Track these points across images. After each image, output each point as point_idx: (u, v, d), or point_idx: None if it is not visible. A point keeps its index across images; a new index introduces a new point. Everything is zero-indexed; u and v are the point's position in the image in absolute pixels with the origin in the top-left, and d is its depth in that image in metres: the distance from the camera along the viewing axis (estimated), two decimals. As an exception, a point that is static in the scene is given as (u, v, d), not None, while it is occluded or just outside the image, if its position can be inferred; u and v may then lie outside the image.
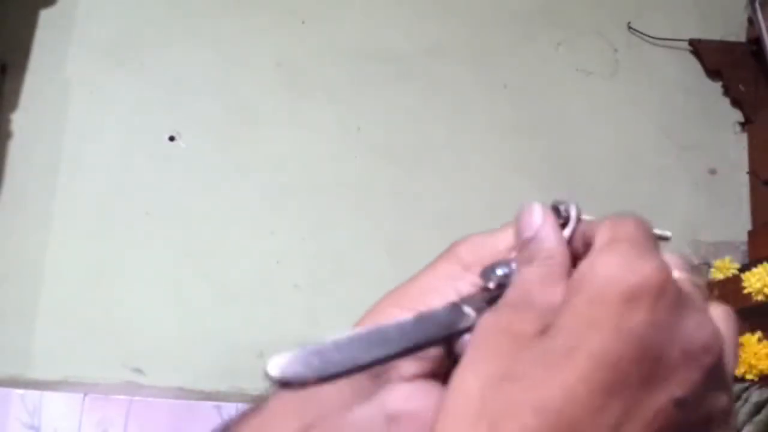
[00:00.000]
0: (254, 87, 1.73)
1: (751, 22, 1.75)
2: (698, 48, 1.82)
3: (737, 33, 1.84)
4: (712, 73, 1.82)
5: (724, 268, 1.51)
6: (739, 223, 1.71)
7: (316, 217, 1.66)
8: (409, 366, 0.33)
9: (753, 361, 1.18)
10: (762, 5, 1.63)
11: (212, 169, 1.67)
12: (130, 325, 1.53)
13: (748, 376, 1.18)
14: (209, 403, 1.49)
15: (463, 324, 0.33)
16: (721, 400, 0.30)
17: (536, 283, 0.33)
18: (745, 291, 1.34)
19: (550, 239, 0.35)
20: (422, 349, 0.33)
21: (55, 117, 1.67)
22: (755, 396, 1.15)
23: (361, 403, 0.33)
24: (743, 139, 1.79)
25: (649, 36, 1.83)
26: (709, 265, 1.58)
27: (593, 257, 0.31)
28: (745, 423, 1.13)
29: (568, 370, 0.27)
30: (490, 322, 0.32)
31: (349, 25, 1.79)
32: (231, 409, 1.49)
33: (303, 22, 1.78)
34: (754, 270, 1.34)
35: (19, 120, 1.65)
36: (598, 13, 1.85)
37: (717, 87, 1.82)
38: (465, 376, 0.30)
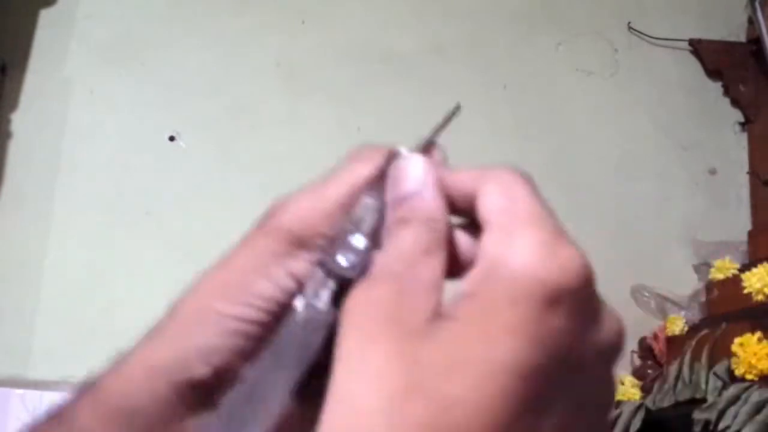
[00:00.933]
0: (254, 87, 1.73)
1: (752, 22, 1.75)
2: (698, 48, 1.82)
3: (737, 33, 1.84)
4: (712, 73, 1.82)
5: (724, 268, 1.51)
6: (739, 223, 1.71)
7: (316, 217, 1.66)
8: None
9: (753, 361, 1.18)
10: (762, 5, 1.63)
11: (212, 169, 1.67)
12: (130, 325, 1.52)
13: (748, 376, 1.18)
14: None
15: (317, 338, 0.27)
16: (612, 394, 0.28)
17: (419, 253, 0.27)
18: (745, 291, 1.34)
19: (436, 199, 0.29)
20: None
21: (55, 117, 1.67)
22: (755, 396, 1.15)
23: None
24: (743, 139, 1.79)
25: (649, 36, 1.83)
26: (709, 265, 1.58)
27: (503, 245, 0.26)
28: (745, 423, 1.13)
29: (486, 382, 0.23)
30: (367, 308, 0.25)
31: (349, 25, 1.79)
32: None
33: (303, 22, 1.79)
34: (754, 270, 1.34)
35: (19, 120, 1.65)
36: (598, 14, 1.85)
37: (717, 87, 1.82)
38: (357, 389, 0.24)
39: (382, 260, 0.27)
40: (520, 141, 1.75)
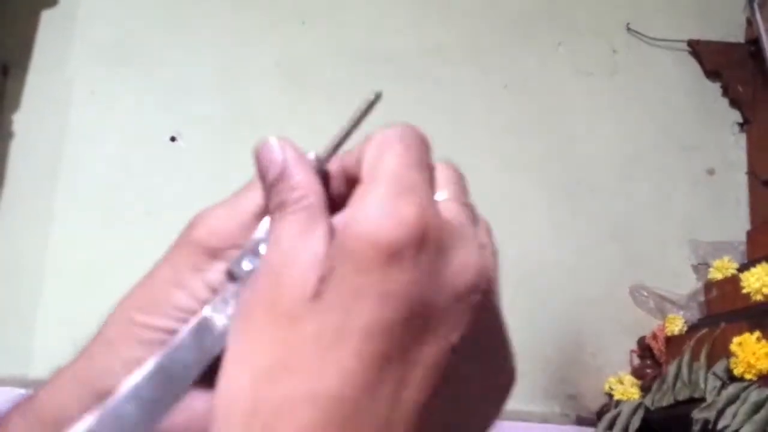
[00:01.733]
0: (255, 87, 1.73)
1: (750, 22, 1.75)
2: (697, 49, 1.83)
3: (736, 34, 1.84)
4: (711, 73, 1.83)
5: (722, 267, 1.51)
6: (737, 223, 1.71)
7: (317, 217, 1.66)
8: None
9: (752, 361, 1.18)
10: (760, 6, 1.64)
11: (213, 169, 1.67)
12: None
13: (747, 376, 1.19)
14: None
15: (220, 342, 0.28)
16: (496, 333, 0.29)
17: (295, 236, 0.27)
18: (744, 291, 1.34)
19: (299, 173, 0.30)
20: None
21: (57, 117, 1.67)
22: (754, 395, 1.15)
23: None
24: (742, 139, 1.80)
25: (648, 37, 1.83)
26: (707, 265, 1.59)
27: (352, 207, 0.27)
28: (743, 422, 1.13)
29: (341, 351, 0.24)
30: (251, 300, 0.27)
31: (349, 26, 1.79)
32: None
33: (303, 23, 1.79)
34: (753, 270, 1.35)
35: (20, 120, 1.65)
36: (597, 14, 1.86)
37: (716, 87, 1.83)
38: (233, 371, 0.26)
39: (266, 252, 0.28)
40: (520, 141, 1.75)
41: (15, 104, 1.66)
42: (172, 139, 1.69)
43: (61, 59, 1.70)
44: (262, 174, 0.31)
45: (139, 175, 1.65)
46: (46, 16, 1.72)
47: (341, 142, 0.33)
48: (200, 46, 1.74)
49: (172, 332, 0.30)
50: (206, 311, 0.29)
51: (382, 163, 0.28)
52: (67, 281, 1.57)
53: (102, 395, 0.29)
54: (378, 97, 0.34)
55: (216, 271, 0.30)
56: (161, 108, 1.70)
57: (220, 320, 0.29)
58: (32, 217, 1.61)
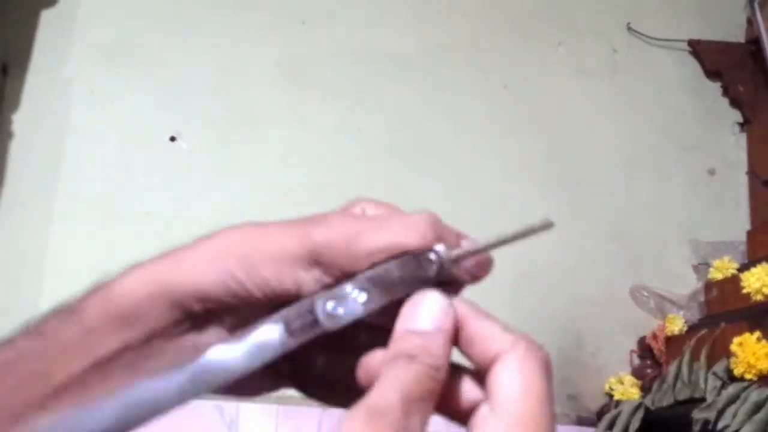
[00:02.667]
0: (255, 87, 1.73)
1: (750, 22, 1.75)
2: (697, 48, 1.83)
3: (736, 34, 1.84)
4: (712, 73, 1.83)
5: (723, 268, 1.51)
6: (738, 223, 1.71)
7: (317, 217, 1.66)
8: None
9: (752, 361, 1.18)
10: (761, 6, 1.64)
11: (213, 169, 1.67)
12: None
13: (747, 376, 1.19)
14: (209, 402, 1.50)
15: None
16: None
17: (416, 396, 0.27)
18: (744, 291, 1.34)
19: (446, 347, 0.29)
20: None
21: (56, 117, 1.67)
22: (754, 395, 1.15)
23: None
24: (742, 139, 1.80)
25: (648, 36, 1.83)
26: (708, 265, 1.59)
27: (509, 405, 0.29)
28: (744, 422, 1.13)
29: None
30: None
31: (349, 26, 1.79)
32: (231, 409, 1.49)
33: (303, 23, 1.79)
34: (753, 270, 1.35)
35: (20, 120, 1.65)
36: (597, 14, 1.86)
37: (716, 87, 1.83)
38: None
39: (381, 390, 0.27)
40: (520, 141, 1.75)
41: (15, 104, 1.66)
42: (172, 139, 1.69)
43: (60, 59, 1.70)
44: (411, 313, 0.30)
45: (139, 175, 1.65)
46: (46, 16, 1.72)
47: (490, 247, 0.33)
48: (200, 46, 1.74)
49: (250, 296, 0.31)
50: (322, 300, 0.30)
51: (529, 394, 0.30)
52: (67, 281, 1.57)
53: (178, 308, 0.31)
54: (548, 226, 0.33)
55: (309, 277, 0.30)
56: (161, 108, 1.70)
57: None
58: (32, 217, 1.60)
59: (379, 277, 0.30)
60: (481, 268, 0.32)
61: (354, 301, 0.29)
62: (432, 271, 0.30)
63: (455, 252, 0.31)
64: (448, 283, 0.31)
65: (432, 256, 0.30)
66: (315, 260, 0.30)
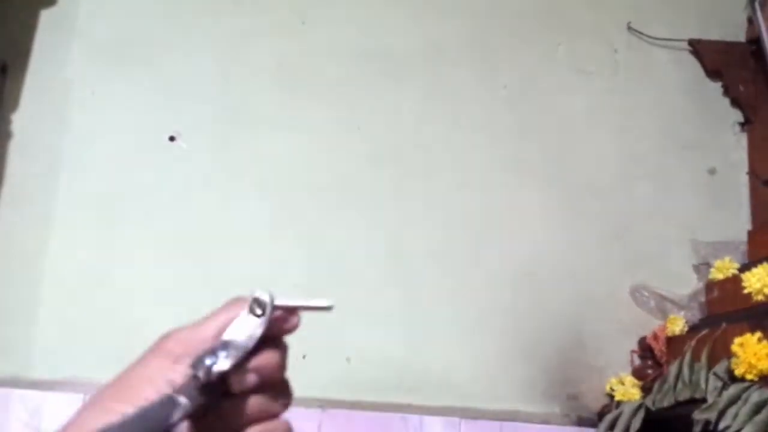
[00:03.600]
0: (254, 87, 1.73)
1: (751, 22, 1.75)
2: (698, 48, 1.82)
3: (737, 33, 1.84)
4: (712, 73, 1.82)
5: (723, 268, 1.51)
6: (738, 223, 1.71)
7: (316, 216, 1.66)
8: None
9: (753, 361, 1.17)
10: (761, 5, 1.63)
11: (212, 169, 1.67)
12: (130, 325, 1.52)
13: (748, 376, 1.18)
14: None
15: (178, 413, 0.39)
16: None
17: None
18: (745, 291, 1.34)
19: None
20: None
21: (56, 117, 1.66)
22: (755, 396, 1.15)
23: None
24: (743, 139, 1.79)
25: (649, 36, 1.83)
26: (709, 265, 1.58)
27: None
28: (745, 423, 1.13)
29: None
30: None
31: (349, 26, 1.79)
32: None
33: (303, 23, 1.78)
34: (754, 270, 1.34)
35: (19, 120, 1.65)
36: (598, 14, 1.85)
37: (717, 87, 1.82)
38: None
39: None
40: (520, 141, 1.75)
41: (14, 104, 1.65)
42: (171, 138, 1.68)
43: (60, 59, 1.70)
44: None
45: (138, 175, 1.65)
46: (45, 16, 1.72)
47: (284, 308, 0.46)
48: (200, 46, 1.74)
49: None
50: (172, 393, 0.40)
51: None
52: (66, 281, 1.57)
53: None
54: (327, 309, 0.46)
55: (177, 373, 0.41)
56: (160, 108, 1.69)
57: (182, 399, 0.40)
58: (31, 216, 1.60)
59: (223, 342, 0.42)
60: (291, 325, 0.46)
61: (217, 352, 0.41)
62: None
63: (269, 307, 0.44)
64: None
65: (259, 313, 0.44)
66: (175, 360, 0.42)
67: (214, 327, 0.43)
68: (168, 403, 0.39)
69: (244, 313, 0.43)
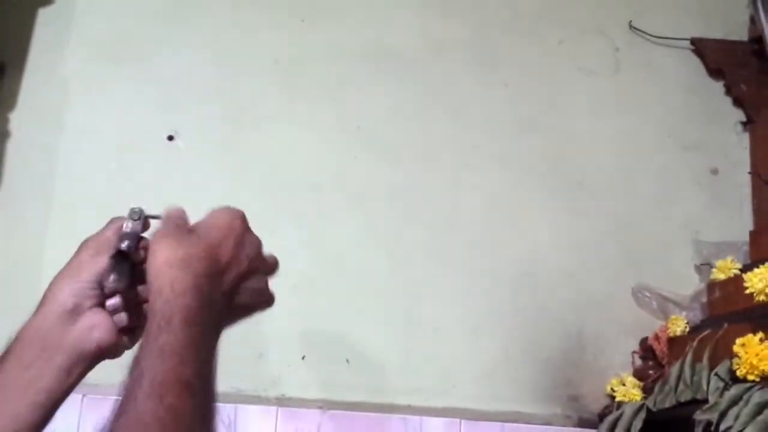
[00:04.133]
0: (253, 86, 1.72)
1: (753, 21, 1.74)
2: (700, 47, 1.82)
3: (739, 32, 1.83)
4: (714, 72, 1.81)
5: (725, 268, 1.50)
6: (741, 223, 1.70)
7: (316, 216, 1.65)
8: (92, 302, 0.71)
9: (755, 362, 1.17)
10: (764, 4, 1.62)
11: (211, 168, 1.67)
12: (129, 325, 1.52)
13: (750, 377, 1.18)
14: None
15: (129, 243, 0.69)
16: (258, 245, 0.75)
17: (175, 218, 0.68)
18: (747, 291, 1.33)
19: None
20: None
21: (53, 116, 1.66)
22: (757, 397, 1.14)
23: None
24: (745, 138, 1.78)
25: (650, 35, 1.82)
26: (710, 266, 1.58)
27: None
28: (746, 424, 1.12)
29: (200, 246, 0.64)
30: (161, 235, 0.64)
31: (348, 25, 1.79)
32: (230, 411, 1.49)
33: (302, 21, 1.78)
34: (756, 270, 1.33)
35: (17, 119, 1.65)
36: (599, 12, 1.85)
37: (719, 86, 1.82)
38: (156, 264, 0.61)
39: (162, 227, 0.66)
40: (520, 139, 1.74)
41: (11, 103, 1.65)
42: (170, 137, 1.68)
43: (57, 57, 1.70)
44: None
45: (137, 174, 1.65)
46: (43, 15, 1.72)
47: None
48: (198, 44, 1.74)
49: (84, 287, 0.73)
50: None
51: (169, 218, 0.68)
52: (64, 281, 1.56)
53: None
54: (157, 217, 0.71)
55: (103, 257, 0.70)
56: (159, 106, 1.69)
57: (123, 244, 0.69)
58: (30, 216, 1.60)
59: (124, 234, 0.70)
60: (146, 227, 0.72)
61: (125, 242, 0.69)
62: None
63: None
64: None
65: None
66: (96, 253, 0.71)
67: (111, 231, 0.70)
68: (116, 254, 0.68)
69: (127, 221, 0.70)
